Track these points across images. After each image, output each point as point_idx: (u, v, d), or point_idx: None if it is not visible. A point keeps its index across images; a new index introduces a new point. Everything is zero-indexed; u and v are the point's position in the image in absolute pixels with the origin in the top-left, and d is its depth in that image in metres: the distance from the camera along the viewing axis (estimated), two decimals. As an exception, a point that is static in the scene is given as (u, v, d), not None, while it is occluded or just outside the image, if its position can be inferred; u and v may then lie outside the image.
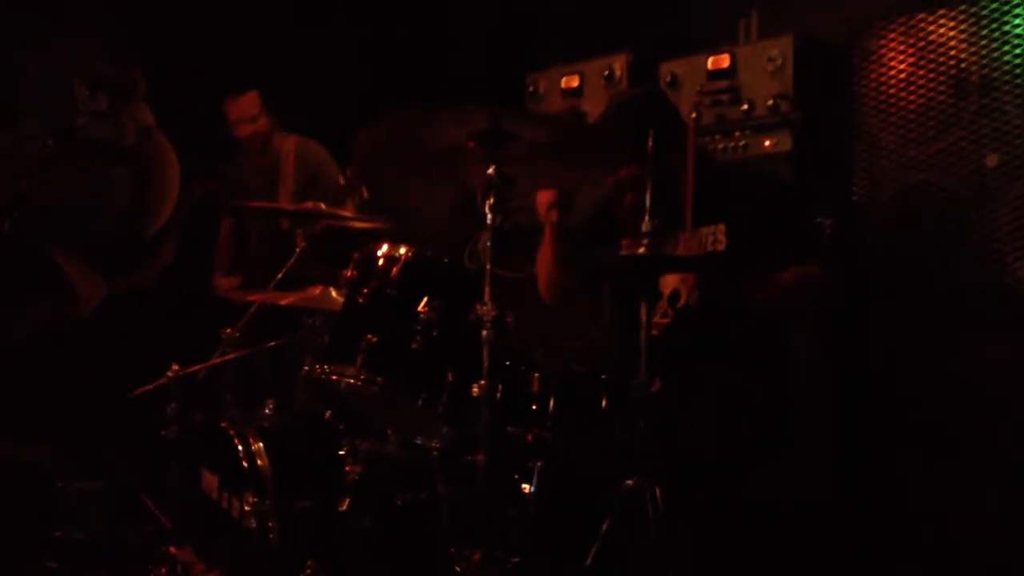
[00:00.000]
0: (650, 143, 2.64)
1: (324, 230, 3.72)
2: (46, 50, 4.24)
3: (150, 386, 3.37)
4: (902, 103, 3.68)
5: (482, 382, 2.64)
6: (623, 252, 2.81)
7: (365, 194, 3.88)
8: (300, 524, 3.02)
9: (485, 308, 2.67)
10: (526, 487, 2.79)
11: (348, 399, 3.05)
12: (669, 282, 3.14)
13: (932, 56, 3.60)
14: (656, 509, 2.58)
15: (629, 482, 2.63)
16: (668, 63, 4.29)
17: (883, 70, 3.72)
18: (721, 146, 4.10)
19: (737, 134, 4.07)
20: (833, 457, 3.74)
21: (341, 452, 3.01)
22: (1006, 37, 3.47)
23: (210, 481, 3.23)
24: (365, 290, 2.94)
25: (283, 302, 3.53)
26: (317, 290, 3.52)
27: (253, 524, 2.99)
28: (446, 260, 2.98)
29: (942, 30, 3.59)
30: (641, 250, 2.64)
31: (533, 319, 2.86)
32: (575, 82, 4.61)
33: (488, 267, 2.71)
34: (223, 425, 3.19)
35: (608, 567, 2.65)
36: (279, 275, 3.69)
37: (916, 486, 3.56)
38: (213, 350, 3.55)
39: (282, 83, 4.89)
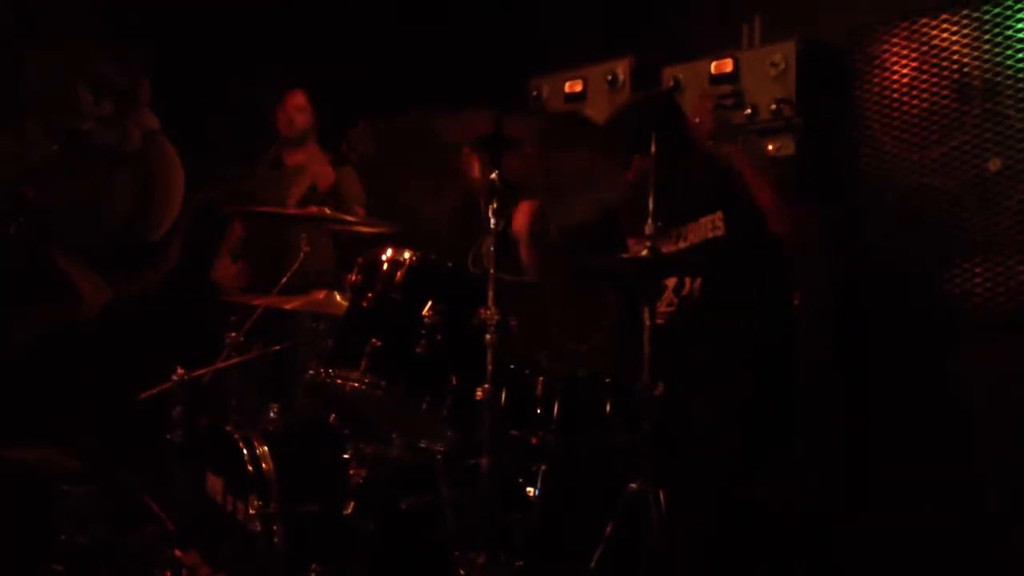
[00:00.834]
0: (653, 146, 2.66)
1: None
2: (50, 54, 4.25)
3: (155, 390, 3.39)
4: (905, 107, 3.67)
5: (486, 386, 2.65)
6: (626, 256, 2.82)
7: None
8: (304, 527, 3.03)
9: (489, 312, 2.68)
10: (530, 490, 2.80)
11: (352, 403, 3.05)
12: None
13: (935, 60, 3.61)
14: (660, 512, 2.59)
15: (633, 485, 2.65)
16: (671, 68, 4.28)
17: (886, 74, 3.72)
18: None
19: (740, 138, 4.07)
20: (835, 459, 3.74)
21: (345, 456, 3.02)
22: (1009, 41, 3.47)
23: (215, 484, 3.24)
24: (369, 294, 2.95)
25: (288, 306, 3.54)
26: (321, 294, 3.53)
27: (258, 527, 3.00)
28: (450, 264, 2.98)
29: (945, 34, 3.59)
30: (644, 252, 2.66)
31: (537, 323, 2.87)
32: (578, 87, 4.61)
33: (492, 271, 2.72)
34: (228, 429, 3.21)
35: (612, 570, 2.66)
36: (283, 279, 3.70)
37: (916, 486, 3.56)
38: (218, 354, 3.56)
39: (283, 84, 4.88)
